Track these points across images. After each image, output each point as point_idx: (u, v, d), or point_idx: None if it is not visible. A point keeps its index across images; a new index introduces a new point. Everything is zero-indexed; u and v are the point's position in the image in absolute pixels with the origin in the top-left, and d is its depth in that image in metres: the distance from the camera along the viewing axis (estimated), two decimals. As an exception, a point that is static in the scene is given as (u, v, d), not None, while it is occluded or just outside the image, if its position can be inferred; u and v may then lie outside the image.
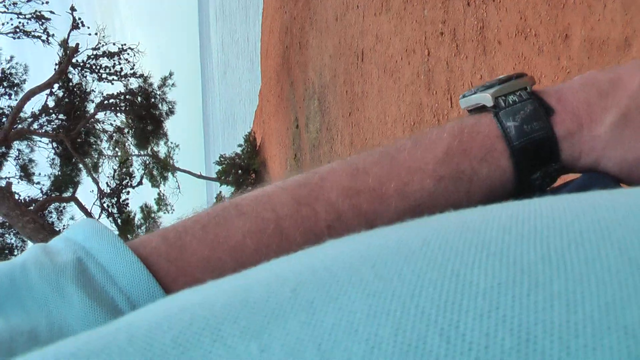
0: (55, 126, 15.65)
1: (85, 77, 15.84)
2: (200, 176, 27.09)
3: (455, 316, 0.26)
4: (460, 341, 0.25)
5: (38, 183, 15.72)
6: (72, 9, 14.42)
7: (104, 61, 15.84)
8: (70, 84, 15.71)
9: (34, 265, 0.49)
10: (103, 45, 15.66)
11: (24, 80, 15.50)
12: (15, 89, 15.29)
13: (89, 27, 14.89)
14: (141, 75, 16.91)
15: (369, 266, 0.30)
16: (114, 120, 17.14)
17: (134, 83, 16.88)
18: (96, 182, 15.71)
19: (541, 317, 0.25)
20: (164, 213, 19.56)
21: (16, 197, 12.45)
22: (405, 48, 5.95)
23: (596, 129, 0.59)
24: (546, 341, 0.24)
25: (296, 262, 0.33)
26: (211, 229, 0.57)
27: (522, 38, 3.76)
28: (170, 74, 18.03)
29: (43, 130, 15.41)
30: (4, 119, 14.56)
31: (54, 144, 15.82)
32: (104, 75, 15.87)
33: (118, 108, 16.75)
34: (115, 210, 16.10)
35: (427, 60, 5.39)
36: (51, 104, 15.37)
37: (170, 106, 17.92)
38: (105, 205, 15.94)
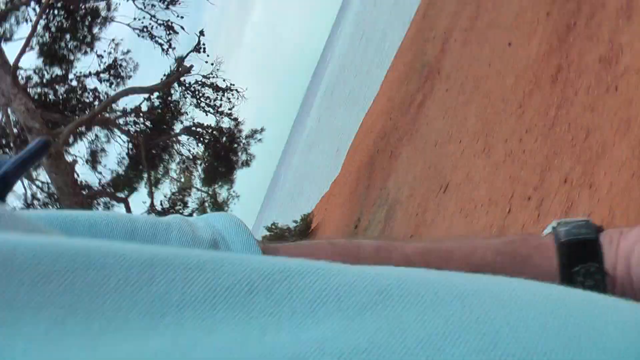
0: (138, 129, 15.93)
1: (186, 98, 16.14)
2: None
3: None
4: None
5: (100, 173, 15.96)
6: (201, 33, 14.80)
7: (209, 92, 16.16)
8: (170, 98, 16.03)
9: (176, 229, 0.55)
10: (214, 77, 16.00)
11: (130, 76, 15.88)
12: (119, 80, 15.68)
13: (208, 55, 15.24)
14: (235, 119, 17.17)
15: (527, 299, 0.39)
16: (193, 148, 17.35)
17: (225, 122, 17.14)
18: (151, 196, 15.86)
19: None
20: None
21: (75, 176, 12.65)
22: (489, 197, 5.98)
23: (631, 233, 0.67)
24: None
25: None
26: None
27: (605, 234, 3.74)
28: (262, 130, 18.29)
29: (126, 129, 15.69)
30: (96, 102, 14.88)
31: (130, 145, 16.08)
32: (202, 104, 16.15)
33: (202, 139, 16.98)
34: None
35: (505, 217, 5.40)
36: (144, 108, 15.68)
37: (248, 158, 18.13)
38: (150, 219, 15.97)
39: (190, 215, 17.46)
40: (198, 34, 14.80)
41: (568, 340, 0.34)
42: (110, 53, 15.75)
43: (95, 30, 15.48)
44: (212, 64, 15.78)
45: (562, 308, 0.37)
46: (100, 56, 15.56)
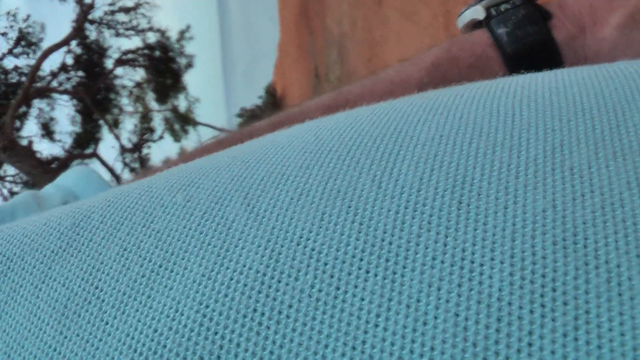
0: (74, 83, 15.65)
1: (102, 33, 15.79)
2: (222, 130, 27.09)
3: (390, 164, 0.25)
4: (392, 185, 0.24)
5: (60, 141, 15.77)
6: (88, -36, 14.35)
7: (121, 16, 15.74)
8: (88, 40, 15.68)
9: (21, 207, 0.47)
10: (119, 1, 15.58)
11: (41, 38, 15.45)
12: (32, 47, 15.27)
13: (104, -18, 14.83)
14: (158, 30, 16.83)
15: (312, 133, 0.30)
16: (133, 76, 17.12)
17: (151, 37, 16.81)
18: (117, 138, 15.73)
19: (481, 161, 0.25)
20: (187, 168, 19.51)
21: (38, 155, 12.51)
22: (423, -9, 5.87)
23: (601, 31, 0.52)
24: (484, 182, 0.24)
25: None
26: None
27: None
28: (188, 27, 17.95)
29: (62, 88, 15.41)
30: (23, 78, 14.58)
31: (74, 101, 15.85)
32: (120, 31, 15.82)
33: (136, 63, 16.72)
34: (137, 165, 16.16)
35: (445, 1, 5.31)
36: (69, 61, 15.36)
37: (189, 60, 17.87)
38: (127, 160, 15.98)
39: (161, 138, 17.57)
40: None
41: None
42: (12, 26, 15.29)
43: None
44: (112, -12, 15.40)
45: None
46: (4, 34, 15.11)
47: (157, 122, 18.55)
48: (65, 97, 15.56)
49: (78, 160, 15.23)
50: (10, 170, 14.01)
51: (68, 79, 15.55)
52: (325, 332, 0.20)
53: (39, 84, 14.49)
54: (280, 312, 0.21)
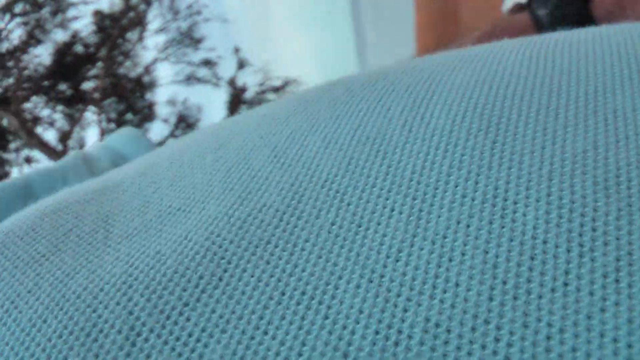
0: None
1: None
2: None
3: (422, 109, 0.25)
4: (423, 129, 0.24)
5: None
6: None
7: (270, 96, 14.86)
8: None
9: (72, 170, 0.47)
10: (268, 81, 14.05)
11: (198, 119, 15.58)
12: (191, 128, 15.68)
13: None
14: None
15: (343, 86, 0.30)
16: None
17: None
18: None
19: (517, 104, 0.24)
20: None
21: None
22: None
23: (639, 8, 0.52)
24: (520, 123, 0.23)
25: None
26: None
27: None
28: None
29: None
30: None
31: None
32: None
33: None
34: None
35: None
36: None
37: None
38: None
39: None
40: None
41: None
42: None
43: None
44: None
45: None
46: (166, 120, 14.21)
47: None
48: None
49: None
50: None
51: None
52: (341, 265, 0.19)
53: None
54: (295, 245, 0.20)
